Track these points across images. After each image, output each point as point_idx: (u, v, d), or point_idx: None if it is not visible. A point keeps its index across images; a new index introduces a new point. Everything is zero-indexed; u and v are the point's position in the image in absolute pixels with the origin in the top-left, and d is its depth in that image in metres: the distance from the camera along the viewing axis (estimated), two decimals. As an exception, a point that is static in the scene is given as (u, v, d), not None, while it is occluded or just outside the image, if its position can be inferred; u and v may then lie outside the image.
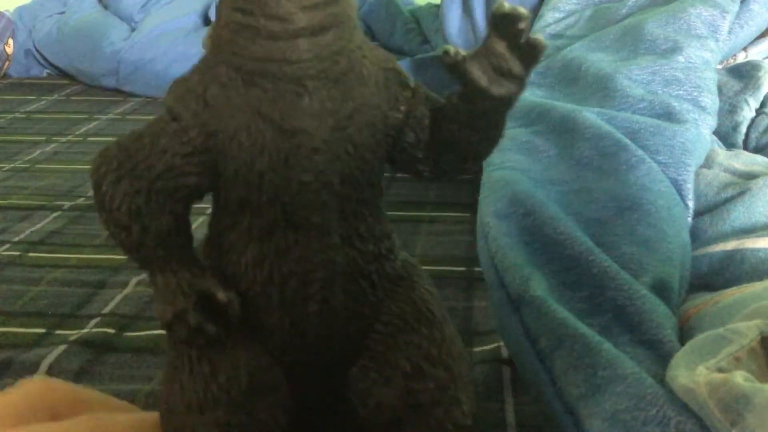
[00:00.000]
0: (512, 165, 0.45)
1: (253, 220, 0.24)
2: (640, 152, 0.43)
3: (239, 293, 0.25)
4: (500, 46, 0.22)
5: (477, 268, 0.61)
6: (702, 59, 0.50)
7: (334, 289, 0.25)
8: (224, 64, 0.23)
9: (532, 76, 0.56)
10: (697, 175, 0.44)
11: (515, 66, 0.22)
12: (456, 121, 0.25)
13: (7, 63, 1.35)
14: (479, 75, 0.22)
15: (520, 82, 0.22)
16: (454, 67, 0.22)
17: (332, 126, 0.23)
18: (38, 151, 0.96)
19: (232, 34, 0.23)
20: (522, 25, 0.21)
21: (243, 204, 0.24)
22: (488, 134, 0.25)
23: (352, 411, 0.26)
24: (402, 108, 0.26)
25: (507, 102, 0.23)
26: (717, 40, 0.53)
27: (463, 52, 0.22)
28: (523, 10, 0.21)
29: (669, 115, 0.46)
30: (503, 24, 0.21)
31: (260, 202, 0.24)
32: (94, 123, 1.08)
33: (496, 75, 0.22)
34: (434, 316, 0.27)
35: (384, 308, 0.27)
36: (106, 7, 1.36)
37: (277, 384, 0.26)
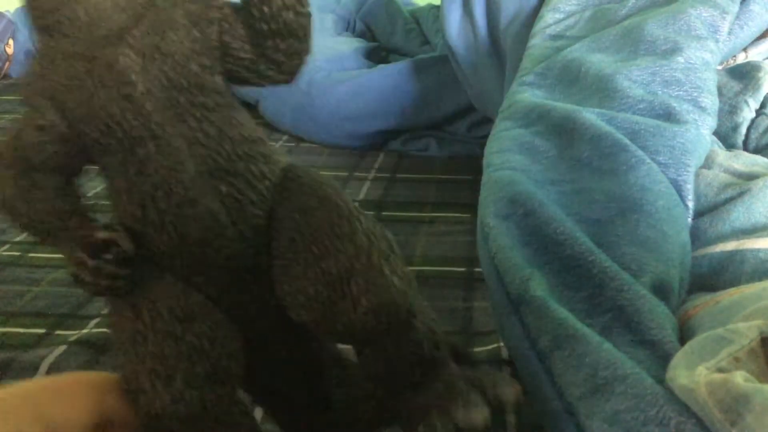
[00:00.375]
0: (512, 165, 0.45)
1: (111, 159, 0.27)
2: (640, 153, 0.43)
3: (133, 232, 0.28)
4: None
5: (477, 269, 0.62)
6: (702, 60, 0.50)
7: (198, 188, 0.27)
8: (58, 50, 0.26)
9: (533, 77, 0.57)
10: (697, 175, 0.44)
11: None
12: None
13: (7, 63, 1.35)
14: None
15: None
16: None
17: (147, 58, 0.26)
18: (38, 152, 0.96)
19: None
20: None
21: (101, 150, 0.27)
22: None
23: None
24: (214, 28, 0.28)
25: None
26: (717, 41, 0.53)
27: None
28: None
29: (669, 116, 0.46)
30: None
31: (108, 139, 0.27)
32: (95, 124, 1.08)
33: None
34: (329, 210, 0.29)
35: (277, 212, 0.29)
36: (106, 7, 1.36)
37: (200, 311, 0.28)
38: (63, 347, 0.50)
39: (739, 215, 0.41)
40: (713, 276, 0.40)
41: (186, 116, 0.27)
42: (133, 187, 0.27)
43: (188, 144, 0.27)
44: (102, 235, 0.27)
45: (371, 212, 0.47)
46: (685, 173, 0.43)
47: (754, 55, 0.60)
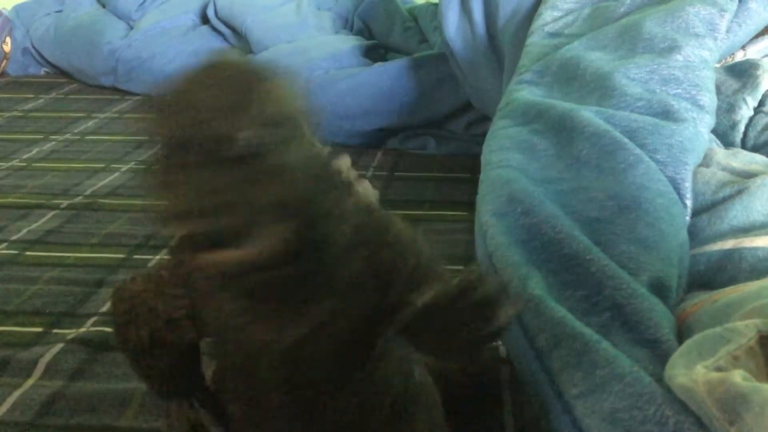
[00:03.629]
0: (510, 164, 0.45)
1: None
2: (638, 151, 0.43)
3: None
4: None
5: (476, 267, 0.61)
6: (700, 58, 0.50)
7: None
8: None
9: (531, 75, 0.56)
10: (695, 173, 0.44)
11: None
12: None
13: (4, 61, 1.35)
14: None
15: None
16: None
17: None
18: (36, 150, 0.96)
19: None
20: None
21: None
22: None
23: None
24: None
25: None
26: (715, 39, 0.53)
27: None
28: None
29: (667, 114, 0.46)
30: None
31: None
32: (92, 121, 1.08)
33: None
34: None
35: None
36: (103, 5, 1.36)
37: None
38: (60, 345, 0.50)
39: (738, 213, 0.41)
40: (711, 274, 0.40)
41: None
42: None
43: None
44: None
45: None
46: (683, 171, 0.43)
47: (753, 53, 0.60)
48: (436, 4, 0.98)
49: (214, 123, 0.17)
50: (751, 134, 0.53)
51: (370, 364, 0.28)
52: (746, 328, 0.28)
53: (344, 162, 0.26)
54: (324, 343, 0.26)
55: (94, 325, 0.53)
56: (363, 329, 0.27)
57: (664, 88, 0.48)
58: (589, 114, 0.46)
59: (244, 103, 0.18)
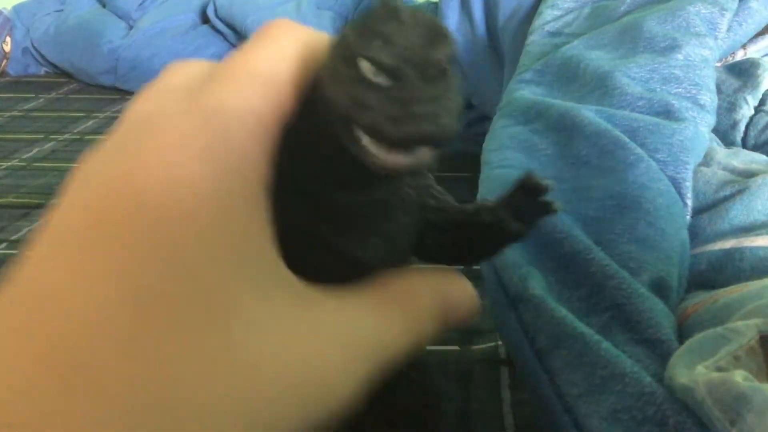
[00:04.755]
0: (510, 163, 0.45)
1: None
2: (638, 150, 0.42)
3: None
4: (521, 200, 0.27)
5: (475, 267, 0.61)
6: (701, 57, 0.50)
7: None
8: None
9: (531, 74, 0.56)
10: (695, 173, 0.44)
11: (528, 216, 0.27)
12: None
13: (4, 61, 1.35)
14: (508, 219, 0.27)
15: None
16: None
17: None
18: (36, 150, 0.96)
19: None
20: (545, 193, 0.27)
21: None
22: None
23: None
24: None
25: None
26: (716, 38, 0.53)
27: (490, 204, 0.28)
28: (548, 183, 0.27)
29: (668, 113, 0.46)
30: (528, 188, 0.27)
31: None
32: (92, 121, 1.08)
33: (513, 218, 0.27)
34: None
35: None
36: (104, 5, 1.36)
37: None
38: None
39: (738, 213, 0.41)
40: (712, 274, 0.40)
41: None
42: None
43: None
44: None
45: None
46: (683, 171, 0.43)
47: (753, 52, 0.60)
48: (436, 4, 0.98)
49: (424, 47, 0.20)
50: (752, 133, 0.53)
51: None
52: (747, 328, 0.28)
53: None
54: None
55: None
56: None
57: (664, 87, 0.48)
58: (589, 113, 0.46)
59: (440, 33, 0.20)
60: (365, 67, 0.19)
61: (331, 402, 0.18)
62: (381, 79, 0.19)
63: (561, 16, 0.64)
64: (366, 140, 0.20)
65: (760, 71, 0.55)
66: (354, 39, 0.20)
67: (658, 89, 0.48)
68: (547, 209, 0.27)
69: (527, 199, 0.27)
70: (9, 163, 0.90)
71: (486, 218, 0.28)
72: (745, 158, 0.46)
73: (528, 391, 0.35)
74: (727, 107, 0.54)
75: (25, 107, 1.16)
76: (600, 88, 0.49)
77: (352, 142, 0.20)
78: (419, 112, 0.19)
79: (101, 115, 1.11)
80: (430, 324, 0.23)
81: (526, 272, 0.36)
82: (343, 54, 0.19)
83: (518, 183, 0.28)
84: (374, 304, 0.21)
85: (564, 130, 0.46)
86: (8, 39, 1.34)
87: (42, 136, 1.01)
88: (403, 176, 0.25)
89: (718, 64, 0.57)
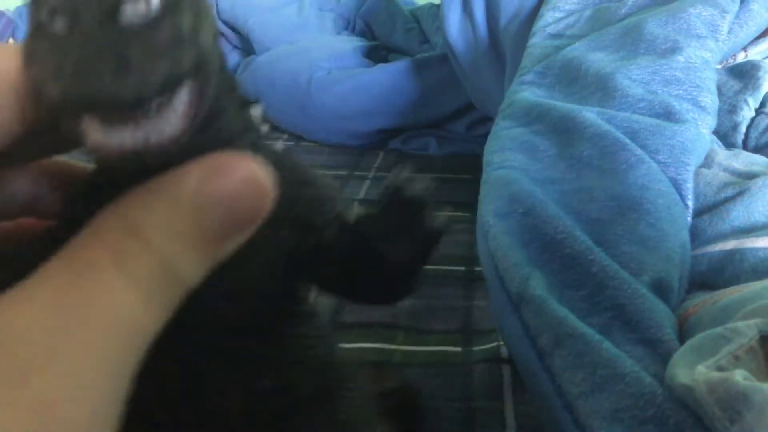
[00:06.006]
0: (512, 164, 0.45)
1: None
2: (639, 152, 0.43)
3: None
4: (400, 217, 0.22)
5: (477, 268, 0.62)
6: (702, 59, 0.50)
7: None
8: None
9: (533, 76, 0.57)
10: (696, 174, 0.44)
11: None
12: None
13: (7, 62, 1.35)
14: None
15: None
16: None
17: None
18: (38, 151, 0.96)
19: None
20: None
21: None
22: None
23: None
24: None
25: None
26: (716, 40, 0.53)
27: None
28: (423, 191, 0.21)
29: (668, 115, 0.46)
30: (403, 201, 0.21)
31: None
32: (95, 122, 1.08)
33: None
34: None
35: None
36: (106, 6, 1.36)
37: None
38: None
39: (739, 214, 0.41)
40: (713, 275, 0.40)
41: None
42: None
43: None
44: None
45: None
46: (684, 172, 0.43)
47: (754, 54, 0.60)
48: (437, 6, 0.98)
49: None
50: (753, 135, 0.53)
51: (295, 320, 0.23)
52: (747, 328, 0.28)
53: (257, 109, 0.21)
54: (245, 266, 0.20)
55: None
56: (282, 261, 0.21)
57: (665, 89, 0.48)
58: (590, 115, 0.46)
59: None
60: (42, 8, 0.14)
61: None
62: (58, 24, 0.14)
63: (562, 18, 0.64)
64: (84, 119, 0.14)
65: (760, 73, 0.55)
66: None
67: (659, 91, 0.48)
68: (432, 234, 0.21)
69: (405, 215, 0.21)
70: (12, 164, 0.90)
71: (346, 239, 0.22)
72: (745, 160, 0.47)
73: (529, 391, 0.35)
74: (728, 109, 0.54)
75: (28, 108, 1.16)
76: (601, 89, 0.49)
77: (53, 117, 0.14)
78: (81, 67, 0.13)
79: (103, 117, 1.11)
80: (187, 260, 0.15)
81: (527, 273, 0.37)
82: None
83: (389, 191, 0.21)
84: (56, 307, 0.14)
85: (565, 132, 0.46)
86: (11, 41, 1.35)
87: (44, 137, 1.01)
88: (134, 166, 0.15)
89: (719, 66, 0.57)
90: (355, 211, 0.23)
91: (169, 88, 0.14)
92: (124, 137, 0.14)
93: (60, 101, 0.13)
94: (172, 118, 0.14)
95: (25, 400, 0.12)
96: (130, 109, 0.13)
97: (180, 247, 0.14)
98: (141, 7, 0.13)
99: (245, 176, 0.15)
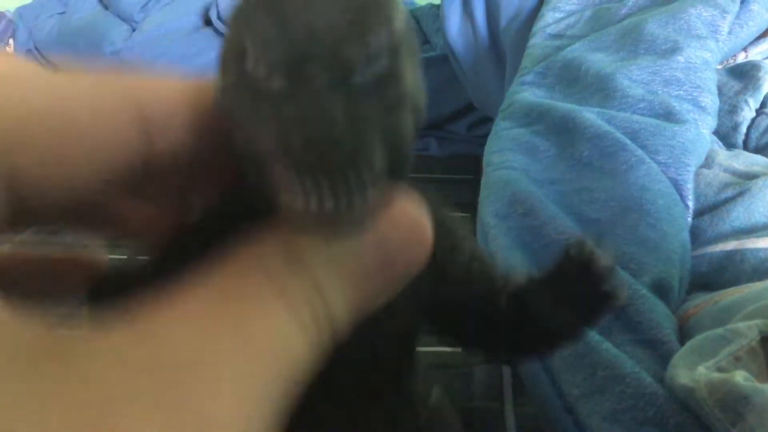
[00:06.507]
0: (512, 165, 0.45)
1: None
2: (639, 152, 0.43)
3: None
4: (571, 280, 0.21)
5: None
6: (702, 59, 0.50)
7: None
8: None
9: (533, 76, 0.56)
10: (697, 175, 0.44)
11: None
12: None
13: (7, 63, 1.35)
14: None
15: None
16: None
17: None
18: (39, 151, 0.96)
19: None
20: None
21: None
22: None
23: None
24: None
25: None
26: (717, 41, 0.53)
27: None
28: (608, 259, 0.20)
29: (669, 115, 0.46)
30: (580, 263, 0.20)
31: None
32: (95, 123, 1.08)
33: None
34: None
35: None
36: (106, 7, 1.36)
37: None
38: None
39: (739, 215, 0.41)
40: (713, 275, 0.40)
41: None
42: None
43: None
44: None
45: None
46: (684, 173, 0.43)
47: (754, 54, 0.60)
48: (437, 6, 0.98)
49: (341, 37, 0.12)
50: (753, 136, 0.53)
51: (407, 374, 0.22)
52: (748, 329, 0.28)
53: None
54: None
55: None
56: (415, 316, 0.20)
57: (665, 90, 0.48)
58: (590, 115, 0.46)
59: (370, 15, 0.12)
60: (252, 65, 0.12)
61: None
62: (276, 83, 0.12)
63: (562, 19, 0.64)
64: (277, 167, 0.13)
65: (761, 74, 0.55)
66: (241, 20, 0.13)
67: (659, 91, 0.48)
68: (608, 300, 0.20)
69: (579, 278, 0.20)
70: (12, 165, 0.90)
71: (505, 304, 0.21)
72: (746, 160, 0.47)
73: (529, 392, 0.35)
74: (729, 109, 0.54)
75: (28, 109, 1.16)
76: (601, 90, 0.49)
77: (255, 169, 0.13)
78: (315, 128, 0.12)
79: (104, 117, 1.11)
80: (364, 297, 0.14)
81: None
82: (230, 46, 0.13)
83: (565, 254, 0.21)
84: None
85: (565, 132, 0.46)
86: (11, 41, 1.35)
87: (45, 138, 1.01)
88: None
89: (720, 67, 0.57)
90: (520, 275, 0.22)
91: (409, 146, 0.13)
92: (327, 201, 0.12)
93: (287, 160, 0.12)
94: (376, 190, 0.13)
95: (181, 413, 0.11)
96: (358, 174, 0.12)
97: (340, 287, 0.13)
98: (373, 69, 0.13)
99: (413, 223, 0.14)
